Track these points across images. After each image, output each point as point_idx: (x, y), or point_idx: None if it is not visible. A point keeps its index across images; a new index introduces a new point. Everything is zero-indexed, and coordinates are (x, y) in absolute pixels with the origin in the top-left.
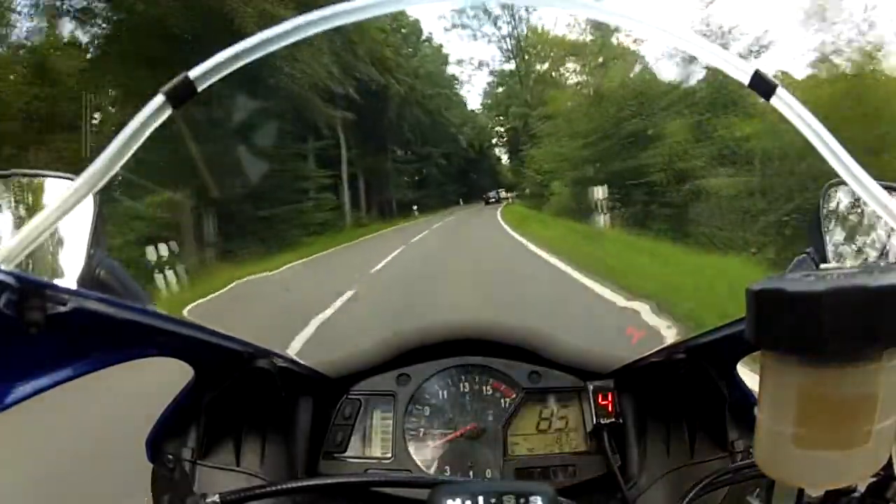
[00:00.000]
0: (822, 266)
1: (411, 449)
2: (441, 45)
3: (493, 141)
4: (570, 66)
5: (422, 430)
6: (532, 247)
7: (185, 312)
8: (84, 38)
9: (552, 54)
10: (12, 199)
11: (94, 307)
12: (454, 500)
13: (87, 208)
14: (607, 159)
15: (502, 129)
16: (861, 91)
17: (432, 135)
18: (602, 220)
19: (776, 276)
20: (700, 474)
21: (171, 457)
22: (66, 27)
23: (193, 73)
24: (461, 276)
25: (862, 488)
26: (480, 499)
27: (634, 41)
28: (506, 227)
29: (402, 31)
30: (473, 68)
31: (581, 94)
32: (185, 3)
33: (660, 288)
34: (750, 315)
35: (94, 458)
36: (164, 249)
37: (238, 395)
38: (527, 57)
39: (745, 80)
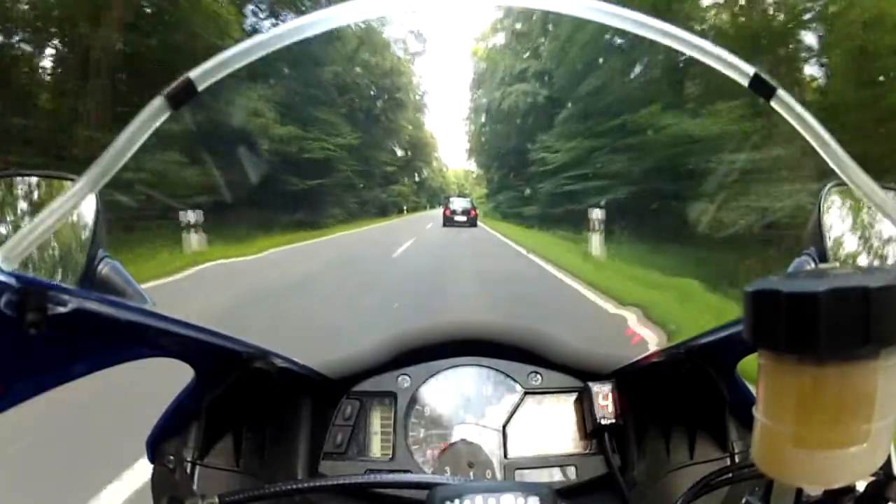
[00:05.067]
0: (821, 266)
1: (411, 449)
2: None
3: None
4: None
5: (422, 430)
6: None
7: None
8: None
9: None
10: (12, 199)
11: (95, 307)
12: (453, 500)
13: (88, 208)
14: None
15: None
16: None
17: None
18: None
19: (774, 276)
20: (700, 475)
21: (171, 457)
22: None
23: (194, 74)
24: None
25: (861, 487)
26: (479, 499)
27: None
28: None
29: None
30: None
31: None
32: None
33: None
34: (747, 315)
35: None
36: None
37: (238, 395)
38: None
39: (745, 82)
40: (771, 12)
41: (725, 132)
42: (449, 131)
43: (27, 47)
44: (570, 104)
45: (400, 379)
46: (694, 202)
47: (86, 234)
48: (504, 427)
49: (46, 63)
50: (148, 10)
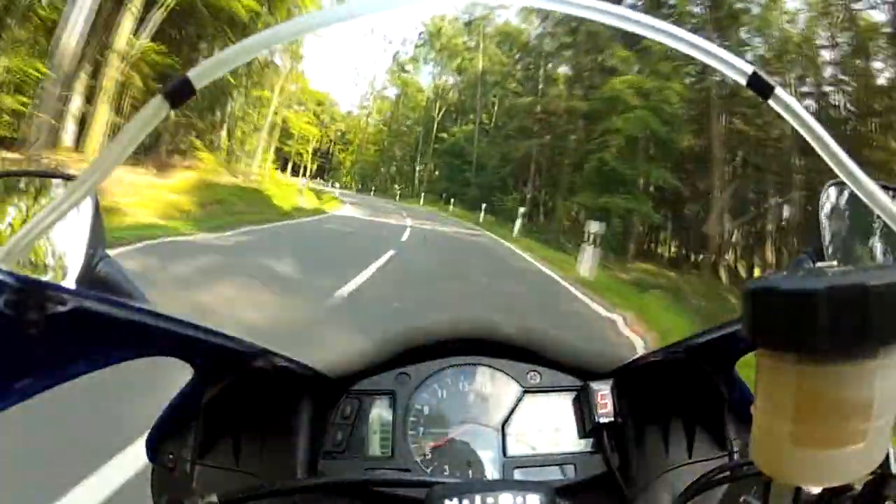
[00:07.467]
0: (819, 265)
1: (411, 448)
2: None
3: None
4: None
5: (421, 429)
6: None
7: None
8: None
9: None
10: (11, 199)
11: (94, 307)
12: (452, 499)
13: (86, 207)
14: None
15: None
16: None
17: None
18: None
19: (773, 274)
20: (698, 473)
21: (170, 456)
22: None
23: (192, 74)
24: None
25: (859, 486)
26: (478, 498)
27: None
28: None
29: None
30: None
31: None
32: None
33: None
34: (746, 314)
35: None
36: None
37: (237, 394)
38: None
39: (743, 81)
40: None
41: None
42: None
43: None
44: None
45: (399, 378)
46: None
47: (84, 233)
48: (503, 426)
49: None
50: None
